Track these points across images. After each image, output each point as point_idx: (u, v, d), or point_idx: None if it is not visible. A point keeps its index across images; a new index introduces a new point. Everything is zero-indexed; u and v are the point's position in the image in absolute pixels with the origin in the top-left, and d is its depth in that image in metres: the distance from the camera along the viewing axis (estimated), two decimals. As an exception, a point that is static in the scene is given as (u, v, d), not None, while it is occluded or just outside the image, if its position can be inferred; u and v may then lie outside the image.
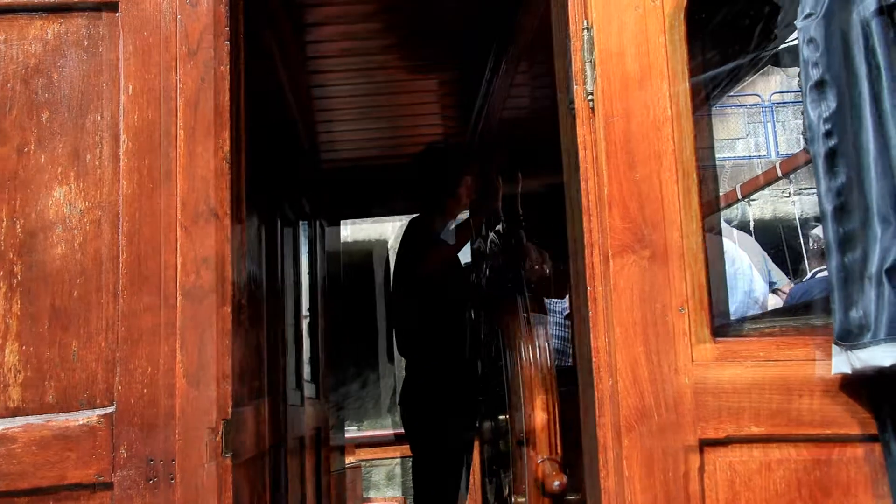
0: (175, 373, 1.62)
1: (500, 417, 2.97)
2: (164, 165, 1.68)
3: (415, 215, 3.60)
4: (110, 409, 1.62)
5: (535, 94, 3.61)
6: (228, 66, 1.70)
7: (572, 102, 1.75)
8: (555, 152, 1.89)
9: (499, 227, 3.73)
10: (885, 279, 1.50)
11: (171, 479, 1.59)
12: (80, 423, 1.62)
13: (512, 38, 2.69)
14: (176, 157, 1.68)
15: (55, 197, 1.68)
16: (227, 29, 1.71)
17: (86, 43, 1.72)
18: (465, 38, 3.10)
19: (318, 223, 4.23)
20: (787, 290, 4.89)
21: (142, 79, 1.70)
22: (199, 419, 1.61)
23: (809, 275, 5.08)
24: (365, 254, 10.29)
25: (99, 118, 1.70)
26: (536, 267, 3.23)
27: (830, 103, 1.58)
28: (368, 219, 7.56)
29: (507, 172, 3.61)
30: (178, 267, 1.65)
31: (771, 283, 4.90)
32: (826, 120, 1.58)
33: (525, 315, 2.93)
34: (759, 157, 12.49)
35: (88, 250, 1.67)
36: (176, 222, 1.66)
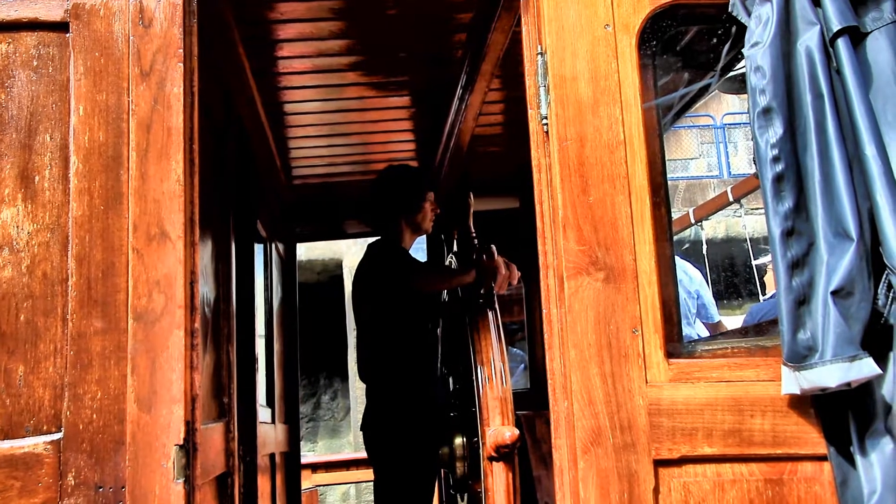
0: (126, 397, 1.59)
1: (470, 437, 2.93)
2: (115, 187, 1.65)
3: (376, 239, 3.56)
4: (58, 436, 1.58)
5: (508, 111, 3.63)
6: (182, 88, 1.69)
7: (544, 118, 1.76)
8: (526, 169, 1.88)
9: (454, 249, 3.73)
10: (830, 301, 1.53)
11: (121, 507, 1.56)
12: (26, 449, 1.57)
13: (484, 56, 2.70)
14: (128, 178, 1.65)
15: (2, 219, 1.64)
16: (181, 50, 1.70)
17: (35, 63, 1.69)
18: (436, 56, 3.10)
19: (274, 244, 4.19)
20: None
21: (93, 100, 1.68)
22: (150, 444, 1.58)
23: (768, 295, 5.15)
24: (318, 274, 10.23)
25: (48, 139, 1.68)
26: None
27: (777, 129, 1.62)
28: (327, 240, 7.50)
29: (462, 191, 3.62)
30: (130, 290, 1.62)
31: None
32: (773, 145, 1.62)
33: (496, 330, 2.91)
34: (712, 177, 12.77)
35: (37, 273, 1.64)
36: (128, 245, 1.64)
